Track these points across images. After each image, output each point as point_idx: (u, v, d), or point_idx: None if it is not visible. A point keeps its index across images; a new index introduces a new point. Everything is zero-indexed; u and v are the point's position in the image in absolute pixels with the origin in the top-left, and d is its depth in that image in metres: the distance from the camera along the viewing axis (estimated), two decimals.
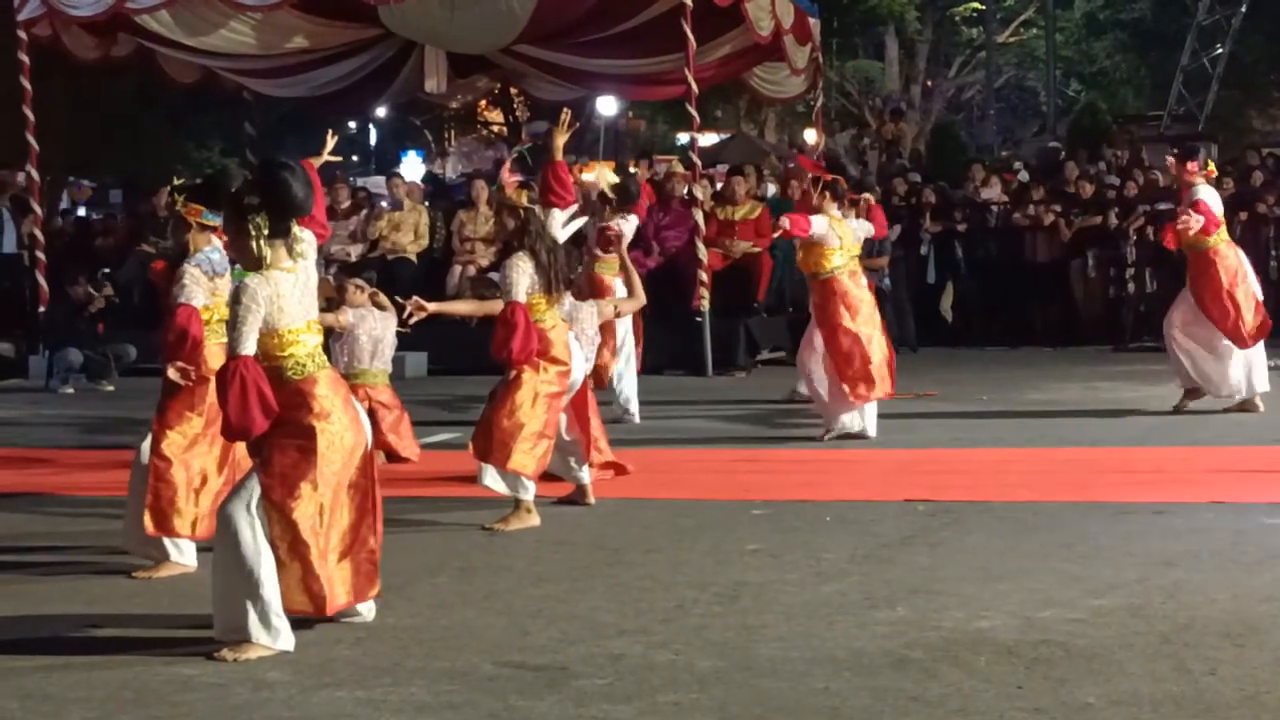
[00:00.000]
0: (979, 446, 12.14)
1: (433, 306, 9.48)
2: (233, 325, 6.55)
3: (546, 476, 9.69)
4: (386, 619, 6.99)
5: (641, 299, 11.03)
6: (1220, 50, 34.44)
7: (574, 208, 10.70)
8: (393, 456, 11.85)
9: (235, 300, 6.57)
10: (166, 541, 8.24)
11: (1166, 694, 5.62)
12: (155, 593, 7.78)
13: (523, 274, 9.27)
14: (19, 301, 21.31)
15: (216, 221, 8.22)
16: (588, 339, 10.61)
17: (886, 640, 6.45)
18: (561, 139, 10.42)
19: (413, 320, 9.46)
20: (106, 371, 18.11)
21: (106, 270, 19.76)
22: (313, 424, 6.60)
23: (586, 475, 9.91)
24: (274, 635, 6.47)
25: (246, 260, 6.63)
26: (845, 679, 5.93)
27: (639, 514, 9.59)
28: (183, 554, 8.26)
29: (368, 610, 6.96)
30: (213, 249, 8.34)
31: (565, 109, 11.10)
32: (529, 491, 9.29)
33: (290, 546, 6.56)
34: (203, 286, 8.27)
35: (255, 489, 6.60)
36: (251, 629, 6.45)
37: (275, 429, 6.58)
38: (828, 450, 12.06)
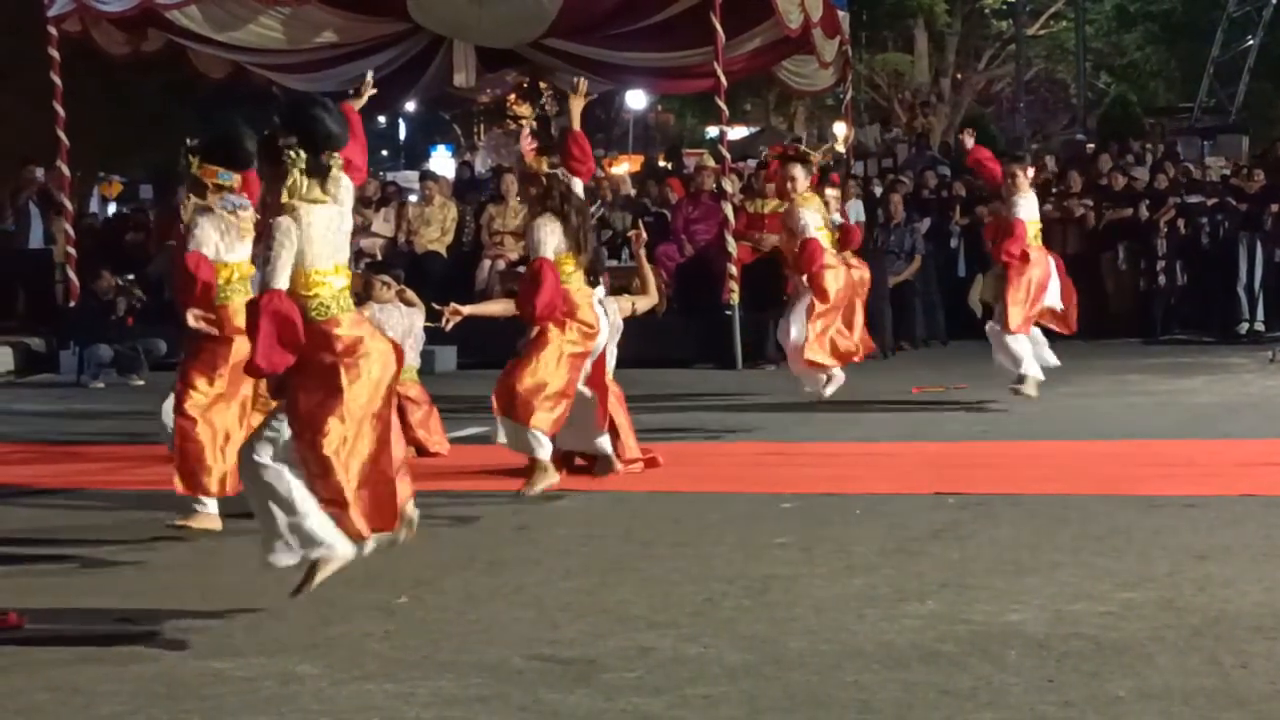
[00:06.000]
0: (1009, 439, 12.11)
1: (467, 310, 9.51)
2: (265, 260, 6.55)
3: (571, 470, 9.72)
4: (416, 612, 7.00)
5: (654, 298, 10.96)
6: (1251, 42, 34.30)
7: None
8: (422, 451, 11.86)
9: (269, 236, 6.56)
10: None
11: (1198, 687, 5.60)
12: (185, 586, 7.79)
13: (550, 233, 9.25)
14: (48, 297, 21.40)
15: (232, 180, 8.26)
16: (615, 329, 10.60)
17: (916, 633, 6.44)
18: (578, 106, 10.35)
19: (449, 326, 9.48)
20: (137, 366, 18.15)
21: (130, 277, 19.80)
22: (336, 364, 6.58)
23: (606, 444, 9.86)
24: (329, 535, 6.50)
25: (284, 192, 6.58)
26: (875, 672, 5.92)
27: (668, 507, 9.59)
28: (208, 508, 8.30)
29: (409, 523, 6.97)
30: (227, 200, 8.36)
31: (580, 78, 11.03)
32: (546, 449, 9.27)
33: (326, 483, 6.56)
34: (214, 238, 8.26)
35: (282, 432, 6.59)
36: (317, 539, 6.48)
37: (299, 372, 6.57)
38: (857, 444, 12.04)
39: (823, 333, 12.41)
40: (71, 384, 18.12)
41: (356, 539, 6.66)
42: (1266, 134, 31.15)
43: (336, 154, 6.69)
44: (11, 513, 10.08)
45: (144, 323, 18.60)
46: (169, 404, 8.41)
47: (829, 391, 12.82)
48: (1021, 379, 13.30)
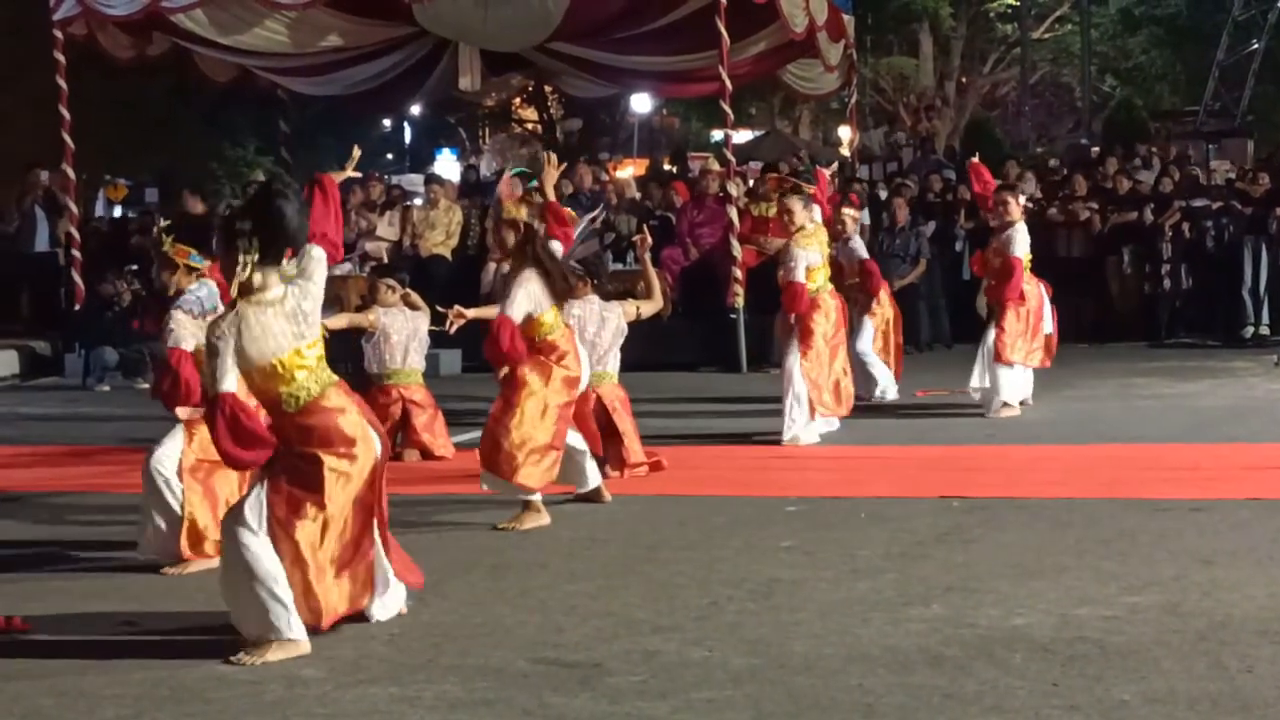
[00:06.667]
0: (1014, 443, 12.10)
1: (471, 313, 9.49)
2: (210, 365, 6.51)
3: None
4: (420, 616, 6.99)
5: (659, 302, 10.91)
6: (1256, 46, 34.26)
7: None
8: (427, 455, 11.88)
9: (208, 338, 6.53)
10: None
11: (1203, 692, 5.59)
12: (189, 591, 7.79)
13: (526, 296, 9.20)
14: (54, 300, 21.41)
15: (203, 265, 8.28)
16: (618, 332, 10.59)
17: (921, 637, 6.44)
18: (551, 179, 10.35)
19: (453, 329, 9.47)
20: (142, 369, 18.15)
21: (134, 267, 19.82)
22: (318, 454, 6.56)
23: (596, 477, 9.85)
24: (296, 628, 6.47)
25: (233, 284, 6.55)
26: (879, 676, 5.92)
27: (673, 511, 9.59)
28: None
29: (381, 611, 6.93)
30: (199, 286, 8.36)
31: (549, 153, 10.98)
32: (535, 494, 9.25)
33: (291, 562, 6.54)
34: (190, 328, 8.27)
35: (263, 504, 6.56)
36: (278, 625, 6.43)
37: (284, 453, 6.56)
38: (862, 447, 12.04)
39: (816, 384, 12.24)
40: (77, 387, 18.15)
41: (315, 617, 6.59)
42: (1272, 137, 31.17)
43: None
44: (15, 516, 10.09)
45: (149, 325, 18.63)
46: (155, 456, 8.37)
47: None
48: (1004, 405, 13.36)
